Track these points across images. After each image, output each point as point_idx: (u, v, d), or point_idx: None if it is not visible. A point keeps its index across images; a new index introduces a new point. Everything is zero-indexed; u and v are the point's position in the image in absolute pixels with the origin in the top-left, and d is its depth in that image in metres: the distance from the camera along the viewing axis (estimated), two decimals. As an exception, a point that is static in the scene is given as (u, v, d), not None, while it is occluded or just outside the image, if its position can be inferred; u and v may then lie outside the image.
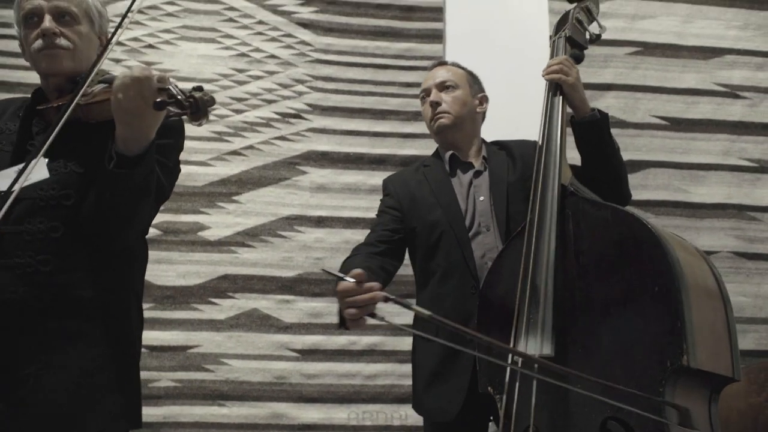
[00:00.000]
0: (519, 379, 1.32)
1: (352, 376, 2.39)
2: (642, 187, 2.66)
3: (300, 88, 2.59)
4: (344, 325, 1.36)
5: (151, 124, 1.15)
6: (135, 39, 2.55)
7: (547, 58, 1.73)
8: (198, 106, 1.04)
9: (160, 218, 2.39)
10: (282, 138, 2.55)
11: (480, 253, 1.64)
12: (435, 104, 1.77)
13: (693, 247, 1.36)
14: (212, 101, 1.06)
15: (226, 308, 2.39)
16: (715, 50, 2.83)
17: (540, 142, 1.56)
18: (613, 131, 2.67)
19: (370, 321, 1.25)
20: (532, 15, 2.79)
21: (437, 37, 2.69)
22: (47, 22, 1.30)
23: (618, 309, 1.26)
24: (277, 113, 2.56)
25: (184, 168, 2.44)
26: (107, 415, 1.20)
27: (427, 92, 1.81)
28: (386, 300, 1.23)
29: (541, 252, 1.37)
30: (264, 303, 2.41)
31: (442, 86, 1.80)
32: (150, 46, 2.55)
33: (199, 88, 1.06)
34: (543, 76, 1.65)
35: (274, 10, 2.63)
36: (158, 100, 1.05)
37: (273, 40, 2.61)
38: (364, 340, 2.42)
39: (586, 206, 1.41)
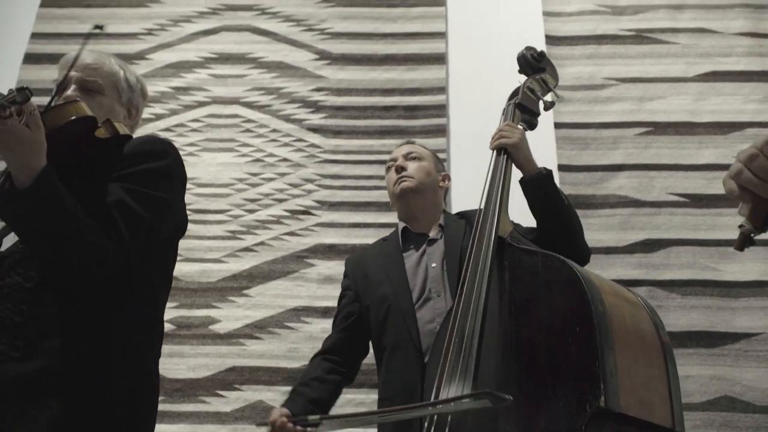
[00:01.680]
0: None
1: (356, 472, 2.29)
2: (664, 267, 2.52)
3: (309, 186, 2.73)
4: None
5: (11, 145, 1.07)
6: (163, 153, 2.80)
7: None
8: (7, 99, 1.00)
9: (174, 313, 2.51)
10: (291, 233, 2.65)
11: (429, 319, 1.62)
12: (400, 168, 1.83)
13: (632, 295, 1.29)
14: (24, 95, 1.02)
15: (232, 400, 2.40)
16: (735, 125, 2.75)
17: (481, 201, 1.56)
18: (629, 211, 2.65)
19: None
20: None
21: (441, 131, 2.79)
22: (70, 90, 1.37)
23: (543, 353, 1.19)
24: (287, 211, 2.69)
25: (199, 265, 2.62)
26: None
27: (393, 161, 1.88)
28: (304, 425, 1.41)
29: (471, 301, 1.33)
30: (269, 395, 2.40)
31: (408, 156, 1.87)
32: (175, 158, 2.79)
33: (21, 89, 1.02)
34: (490, 147, 1.68)
35: (287, 118, 2.84)
36: None
37: (285, 145, 2.80)
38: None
39: (521, 255, 1.37)
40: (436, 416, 1.22)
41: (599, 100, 2.83)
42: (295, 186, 2.73)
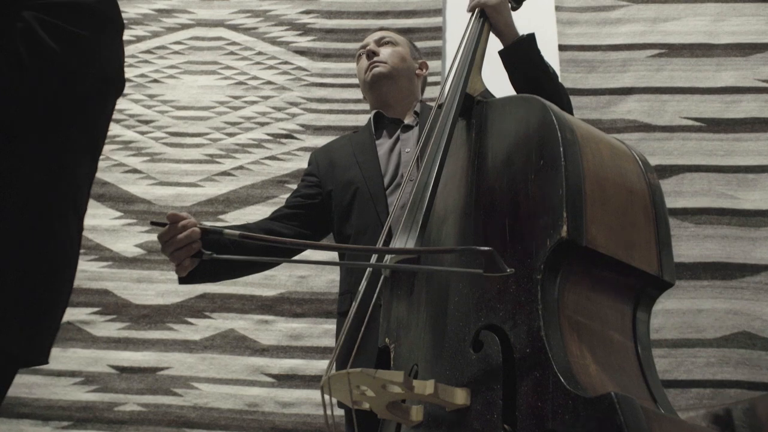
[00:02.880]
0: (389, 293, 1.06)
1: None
2: (676, 194, 2.30)
3: (294, 110, 2.55)
4: (181, 280, 1.33)
5: None
6: (142, 75, 2.66)
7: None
8: None
9: (145, 237, 2.36)
10: (272, 158, 2.48)
11: (400, 204, 1.43)
12: (372, 54, 1.65)
13: (618, 142, 1.08)
14: None
15: (201, 328, 2.24)
16: (756, 46, 2.51)
17: (451, 65, 1.37)
18: (639, 135, 2.42)
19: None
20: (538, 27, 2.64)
21: (436, 54, 2.59)
22: None
23: (504, 199, 0.99)
24: (268, 134, 2.52)
25: (173, 189, 2.46)
26: None
27: (364, 49, 1.70)
28: (205, 232, 1.19)
29: (428, 157, 1.15)
30: (241, 323, 2.24)
31: (380, 42, 1.69)
32: (155, 80, 2.65)
33: None
34: (467, 9, 1.49)
35: (273, 41, 2.67)
36: None
37: (270, 68, 2.63)
38: (346, 364, 2.16)
39: (489, 109, 1.18)
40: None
41: (608, 22, 2.61)
42: (278, 109, 2.56)
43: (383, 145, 1.59)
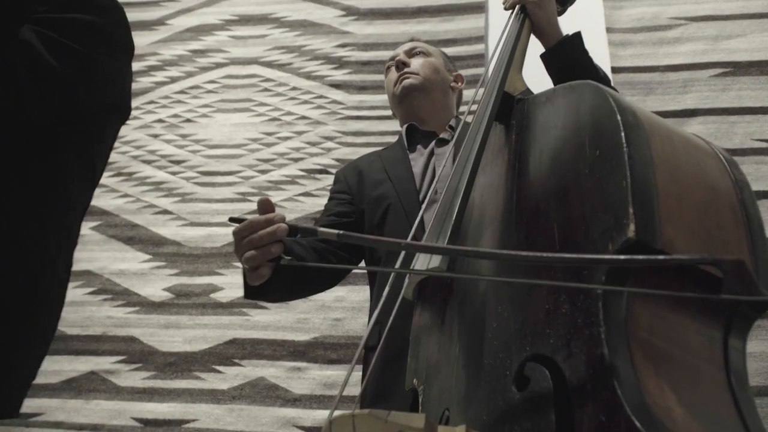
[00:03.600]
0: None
1: (370, 463, 1.90)
2: (753, 224, 2.04)
3: (328, 144, 2.43)
4: (248, 290, 1.09)
5: None
6: (174, 115, 2.59)
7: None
8: None
9: (173, 281, 2.24)
10: (307, 194, 2.35)
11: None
12: (402, 65, 1.51)
13: (695, 137, 0.89)
14: None
15: (230, 377, 2.08)
16: (834, 61, 2.27)
17: (492, 55, 1.21)
18: (705, 161, 2.18)
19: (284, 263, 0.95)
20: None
21: (476, 82, 2.44)
22: None
23: (551, 202, 0.80)
24: (303, 170, 2.40)
25: (204, 230, 2.35)
26: None
27: (393, 62, 1.56)
28: (295, 230, 0.92)
29: (459, 161, 0.98)
30: (272, 371, 2.06)
31: (411, 52, 1.56)
32: (188, 120, 2.58)
33: None
34: (505, 7, 1.34)
35: (308, 75, 2.58)
36: None
37: (305, 102, 2.53)
38: (386, 417, 1.95)
39: (532, 106, 1.01)
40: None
41: (665, 42, 2.42)
42: (313, 144, 2.44)
43: (417, 159, 1.43)
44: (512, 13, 1.29)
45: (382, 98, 2.48)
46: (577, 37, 1.26)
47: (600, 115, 0.78)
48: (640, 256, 0.59)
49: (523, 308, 0.74)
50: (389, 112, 2.44)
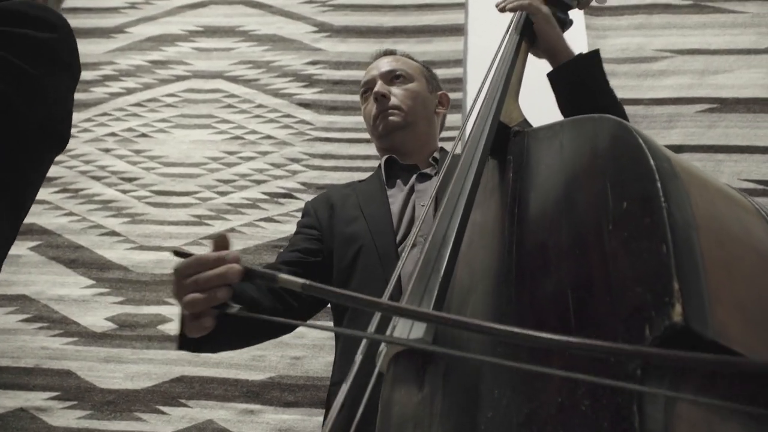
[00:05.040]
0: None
1: None
2: (740, 269, 1.94)
3: (294, 167, 2.27)
4: (184, 341, 0.92)
5: None
6: (129, 129, 2.41)
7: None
8: None
9: (117, 310, 2.05)
10: (268, 219, 2.18)
11: (412, 270, 1.10)
12: (381, 97, 1.36)
13: (735, 192, 0.76)
14: None
15: (175, 419, 1.88)
16: (821, 101, 2.21)
17: (483, 80, 1.08)
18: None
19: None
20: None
21: (456, 107, 2.31)
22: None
23: (562, 260, 0.66)
24: (265, 193, 2.23)
25: (154, 254, 2.15)
26: None
27: (369, 86, 1.41)
28: (250, 277, 0.75)
29: (449, 201, 0.83)
30: (222, 413, 1.87)
31: (390, 77, 1.40)
32: (143, 135, 2.39)
33: None
34: (501, 7, 1.20)
35: (276, 93, 2.42)
36: None
37: (271, 121, 2.37)
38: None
39: (531, 141, 0.87)
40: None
41: (650, 74, 2.33)
42: (277, 166, 2.28)
43: (396, 196, 1.29)
44: (508, 30, 1.16)
45: (354, 120, 2.34)
46: (596, 55, 1.13)
47: (626, 157, 0.64)
48: (711, 356, 0.44)
49: (529, 398, 0.59)
50: (360, 135, 2.30)
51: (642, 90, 2.30)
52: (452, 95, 2.34)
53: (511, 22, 1.19)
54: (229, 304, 0.80)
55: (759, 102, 2.23)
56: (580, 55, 1.14)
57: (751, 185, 2.09)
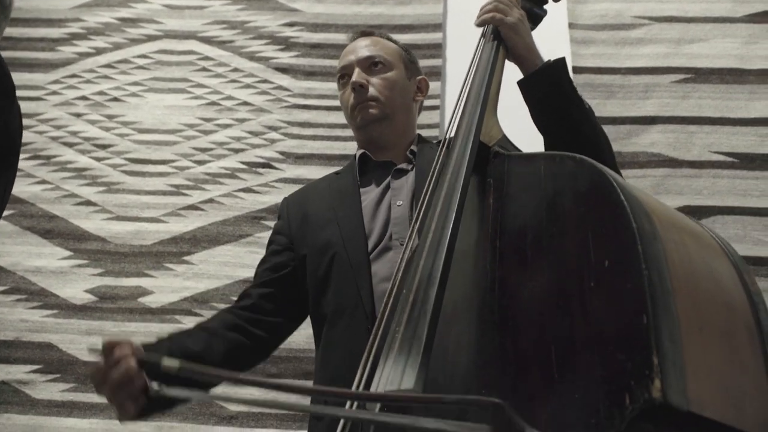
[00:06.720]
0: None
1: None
2: (707, 241, 2.01)
3: (273, 135, 2.25)
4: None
5: None
6: (100, 93, 2.35)
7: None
8: None
9: (97, 281, 2.05)
10: (247, 189, 2.17)
11: (386, 275, 1.12)
12: (360, 88, 1.34)
13: (700, 227, 0.79)
14: None
15: (159, 391, 1.92)
16: (794, 73, 2.24)
17: (459, 96, 1.08)
18: (663, 171, 2.13)
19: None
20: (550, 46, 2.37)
21: (435, 74, 2.30)
22: None
23: (546, 311, 0.70)
24: (243, 162, 2.21)
25: (132, 225, 2.14)
26: None
27: (346, 71, 1.39)
28: (141, 364, 0.90)
29: (432, 233, 0.84)
30: (205, 385, 1.92)
31: (369, 63, 1.37)
32: (115, 99, 2.34)
33: None
34: (475, 23, 1.20)
35: (251, 56, 2.37)
36: None
37: (247, 86, 2.33)
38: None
39: (513, 165, 0.89)
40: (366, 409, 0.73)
41: (628, 42, 2.33)
42: (255, 134, 2.26)
43: (369, 194, 1.28)
44: (482, 36, 1.16)
45: (332, 86, 2.30)
46: (561, 63, 1.14)
47: (608, 213, 0.66)
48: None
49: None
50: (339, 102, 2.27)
51: (620, 59, 2.30)
52: (431, 61, 2.33)
53: (484, 31, 1.18)
54: (149, 388, 0.82)
55: (732, 72, 2.25)
56: (547, 63, 1.14)
57: (722, 157, 2.14)
